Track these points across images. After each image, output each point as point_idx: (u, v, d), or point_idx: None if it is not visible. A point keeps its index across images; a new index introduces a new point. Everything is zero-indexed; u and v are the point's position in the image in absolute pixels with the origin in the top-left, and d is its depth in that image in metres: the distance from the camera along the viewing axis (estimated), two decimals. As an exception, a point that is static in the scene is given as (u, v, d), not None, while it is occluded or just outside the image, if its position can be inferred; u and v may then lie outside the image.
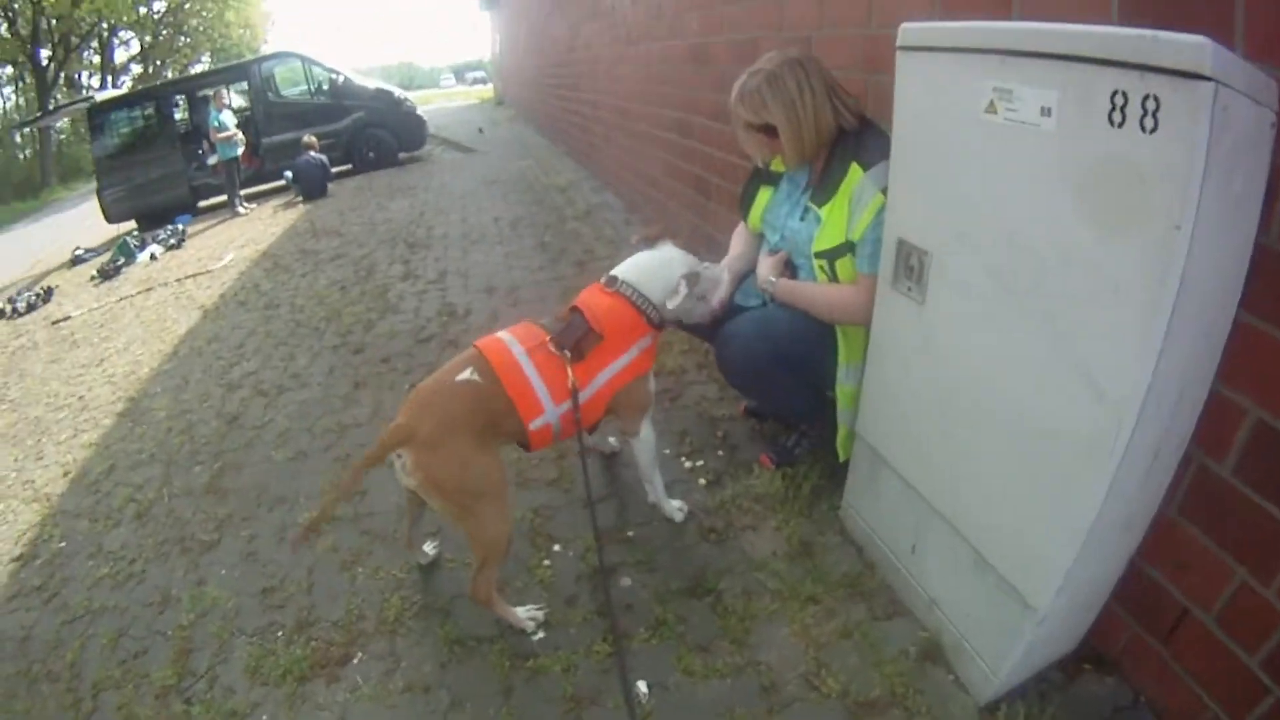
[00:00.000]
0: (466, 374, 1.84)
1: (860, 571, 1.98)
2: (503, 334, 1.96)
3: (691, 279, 2.04)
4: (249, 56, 11.54)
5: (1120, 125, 1.09)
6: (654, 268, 2.07)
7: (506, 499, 1.87)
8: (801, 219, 2.07)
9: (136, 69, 32.21)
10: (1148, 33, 1.04)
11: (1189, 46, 0.99)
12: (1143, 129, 1.06)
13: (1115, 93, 1.08)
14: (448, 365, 1.93)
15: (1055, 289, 1.26)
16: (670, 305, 2.03)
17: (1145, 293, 1.10)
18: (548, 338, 1.93)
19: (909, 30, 1.53)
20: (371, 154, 11.95)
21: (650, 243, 2.18)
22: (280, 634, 2.14)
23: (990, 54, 1.29)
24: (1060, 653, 1.63)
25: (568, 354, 1.90)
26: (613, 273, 2.09)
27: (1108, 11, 1.37)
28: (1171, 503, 1.39)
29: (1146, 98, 1.04)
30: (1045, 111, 1.21)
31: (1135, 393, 1.14)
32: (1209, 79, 0.98)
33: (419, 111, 12.81)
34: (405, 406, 1.85)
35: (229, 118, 10.28)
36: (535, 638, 1.94)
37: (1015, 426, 1.40)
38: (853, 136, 1.92)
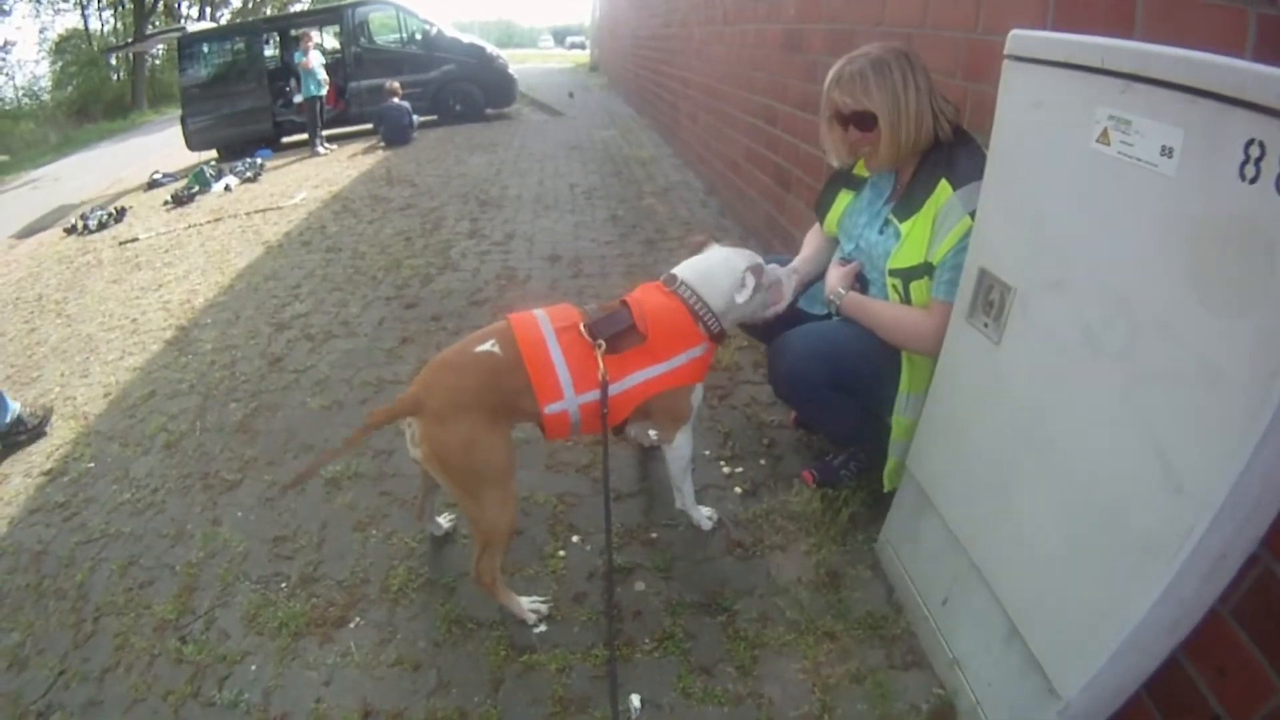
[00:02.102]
0: (488, 345, 1.76)
1: (886, 614, 1.85)
2: (537, 310, 1.86)
3: (756, 270, 1.93)
4: (347, 0, 11.68)
5: (1252, 181, 0.91)
6: (714, 268, 1.95)
7: (511, 486, 1.79)
8: (880, 232, 1.93)
9: (236, 3, 32.95)
10: (1295, 74, 0.86)
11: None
12: (1279, 190, 0.89)
13: (1250, 142, 0.91)
14: (474, 334, 1.85)
15: (1146, 361, 1.10)
16: (740, 300, 1.91)
17: (1249, 386, 0.94)
18: (582, 321, 1.83)
19: (1020, 38, 1.36)
20: (458, 107, 12.02)
21: (697, 249, 2.05)
22: (284, 585, 2.13)
23: (1111, 76, 1.12)
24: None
25: (601, 343, 1.78)
26: (673, 271, 1.97)
27: (1242, 42, 1.18)
28: (1226, 601, 1.22)
29: (1287, 153, 0.87)
30: (1166, 152, 1.04)
31: (1216, 493, 0.99)
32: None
33: (510, 70, 12.78)
34: (422, 373, 1.79)
35: (315, 57, 10.40)
36: (535, 630, 1.88)
37: (1076, 500, 1.25)
38: (945, 149, 1.78)
